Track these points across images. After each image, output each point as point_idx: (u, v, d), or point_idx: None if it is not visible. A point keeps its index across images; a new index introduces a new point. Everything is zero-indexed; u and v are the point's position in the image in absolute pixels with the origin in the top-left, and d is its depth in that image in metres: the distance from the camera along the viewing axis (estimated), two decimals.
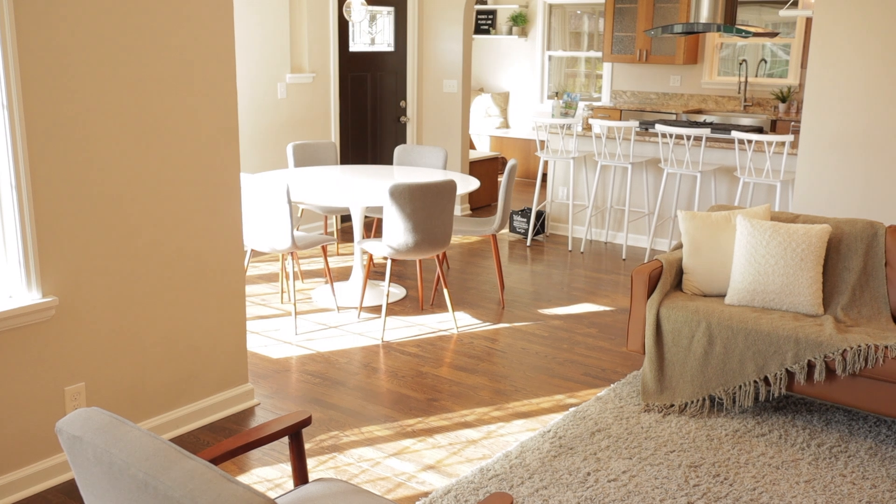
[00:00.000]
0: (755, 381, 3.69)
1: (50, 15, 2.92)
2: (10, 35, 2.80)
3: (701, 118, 8.77)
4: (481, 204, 8.65)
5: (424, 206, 4.62)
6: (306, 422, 2.36)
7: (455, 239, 7.21)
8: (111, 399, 3.34)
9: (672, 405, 3.85)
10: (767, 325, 3.67)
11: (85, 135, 3.08)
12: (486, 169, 8.72)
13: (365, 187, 5.21)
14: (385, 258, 4.96)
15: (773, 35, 8.60)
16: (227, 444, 2.21)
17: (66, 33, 2.97)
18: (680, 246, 4.30)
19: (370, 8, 7.16)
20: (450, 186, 4.69)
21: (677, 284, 4.14)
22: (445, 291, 4.97)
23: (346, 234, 7.28)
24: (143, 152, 3.29)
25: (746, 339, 3.69)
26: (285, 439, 3.48)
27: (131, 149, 3.24)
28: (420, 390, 4.12)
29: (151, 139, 3.31)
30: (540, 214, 7.30)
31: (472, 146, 10.70)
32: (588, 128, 7.79)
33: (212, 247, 3.63)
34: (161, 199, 3.38)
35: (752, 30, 8.32)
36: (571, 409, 3.87)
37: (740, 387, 3.73)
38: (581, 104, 9.65)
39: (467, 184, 5.38)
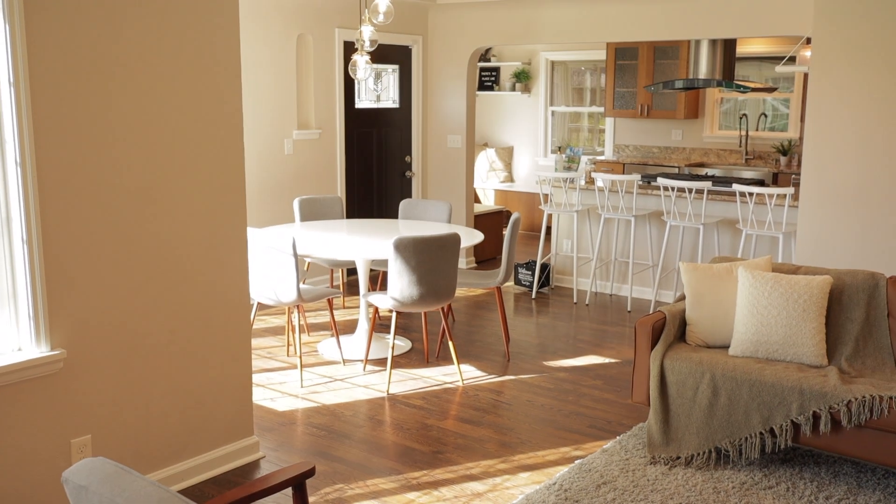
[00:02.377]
0: (761, 433, 3.68)
1: (64, 76, 3.01)
2: (24, 95, 2.89)
3: (703, 171, 8.85)
4: (486, 257, 8.70)
5: (429, 259, 4.67)
6: (310, 472, 2.37)
7: (460, 292, 7.24)
8: (116, 451, 3.34)
9: (678, 457, 3.83)
10: (772, 377, 3.67)
11: (95, 190, 3.15)
12: (491, 222, 8.79)
13: (370, 241, 5.27)
14: (390, 311, 4.99)
15: (771, 90, 8.74)
16: (230, 495, 2.22)
17: (77, 92, 3.06)
18: (683, 297, 4.32)
19: (375, 66, 7.32)
20: (453, 239, 4.74)
21: (681, 336, 4.15)
22: (450, 344, 4.98)
23: (351, 288, 7.32)
24: (152, 207, 3.35)
25: (751, 390, 3.68)
26: (289, 492, 3.47)
27: (140, 204, 3.31)
28: (425, 443, 4.11)
29: (159, 195, 3.38)
30: (545, 267, 7.34)
31: (477, 200, 10.80)
32: (591, 181, 7.88)
33: (218, 300, 3.67)
34: (168, 253, 3.44)
35: (751, 85, 8.47)
36: (577, 462, 3.85)
37: (746, 438, 3.71)
38: (584, 158, 9.76)
39: (471, 237, 5.43)
